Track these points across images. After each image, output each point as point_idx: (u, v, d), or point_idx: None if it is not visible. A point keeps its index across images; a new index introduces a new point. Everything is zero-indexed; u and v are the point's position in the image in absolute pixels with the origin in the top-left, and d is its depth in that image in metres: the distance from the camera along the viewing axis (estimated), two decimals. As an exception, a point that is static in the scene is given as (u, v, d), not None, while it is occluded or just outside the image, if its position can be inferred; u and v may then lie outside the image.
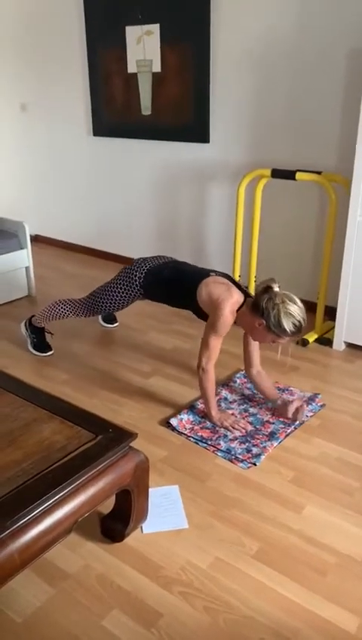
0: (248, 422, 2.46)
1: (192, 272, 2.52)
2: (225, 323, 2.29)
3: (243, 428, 2.38)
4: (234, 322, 2.36)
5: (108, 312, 2.77)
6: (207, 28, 3.50)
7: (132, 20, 3.81)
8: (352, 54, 3.04)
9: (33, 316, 3.04)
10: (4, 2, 4.56)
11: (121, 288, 2.63)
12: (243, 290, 2.40)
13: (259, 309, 2.21)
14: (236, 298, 2.31)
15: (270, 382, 2.57)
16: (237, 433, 2.36)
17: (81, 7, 4.08)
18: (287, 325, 2.16)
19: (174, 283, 2.52)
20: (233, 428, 2.37)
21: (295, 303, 2.18)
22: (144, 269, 2.59)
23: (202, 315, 2.46)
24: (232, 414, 2.49)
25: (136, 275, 2.60)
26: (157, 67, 3.81)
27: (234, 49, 3.47)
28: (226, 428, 2.38)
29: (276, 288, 2.20)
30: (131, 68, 3.94)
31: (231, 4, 3.39)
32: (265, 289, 2.22)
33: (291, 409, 2.44)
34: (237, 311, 2.33)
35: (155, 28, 3.71)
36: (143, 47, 3.83)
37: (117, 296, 2.65)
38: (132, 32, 3.84)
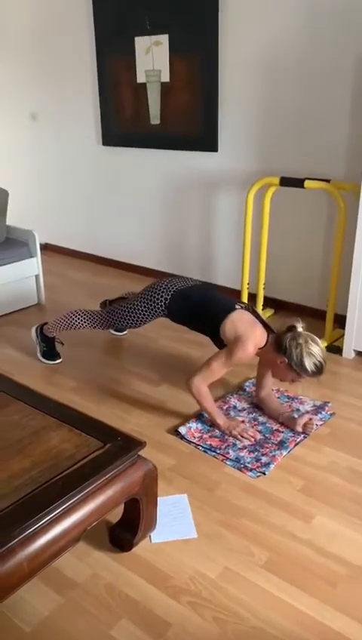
0: (258, 430, 2.45)
1: (219, 301, 2.50)
2: (242, 358, 2.30)
3: (251, 436, 2.37)
4: (257, 354, 2.37)
5: (128, 327, 2.76)
6: (215, 38, 3.52)
7: (141, 31, 3.84)
8: (360, 62, 3.05)
9: (46, 323, 3.05)
10: (15, 13, 4.62)
11: (144, 307, 2.63)
12: (267, 325, 2.42)
13: (281, 347, 2.24)
14: (259, 338, 2.32)
15: (277, 402, 2.60)
16: (246, 442, 2.35)
17: (91, 18, 4.13)
18: (309, 365, 2.20)
19: (200, 311, 2.51)
20: (241, 436, 2.37)
21: (317, 344, 2.23)
22: (171, 291, 2.58)
23: (222, 346, 2.46)
24: (242, 421, 2.48)
25: (162, 296, 2.59)
26: (165, 77, 3.84)
27: (242, 58, 3.49)
28: (235, 437, 2.37)
29: (299, 328, 2.25)
30: (140, 78, 3.97)
31: (239, 14, 3.41)
32: (289, 328, 2.27)
33: (300, 422, 2.43)
34: (257, 353, 2.35)
35: (164, 38, 3.75)
36: (152, 57, 3.86)
37: (139, 314, 2.65)
38: (141, 43, 3.88)
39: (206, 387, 2.37)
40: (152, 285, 2.66)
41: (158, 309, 2.60)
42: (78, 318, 2.84)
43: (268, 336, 2.36)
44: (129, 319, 2.68)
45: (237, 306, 2.45)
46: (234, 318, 2.39)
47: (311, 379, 2.28)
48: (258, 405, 2.64)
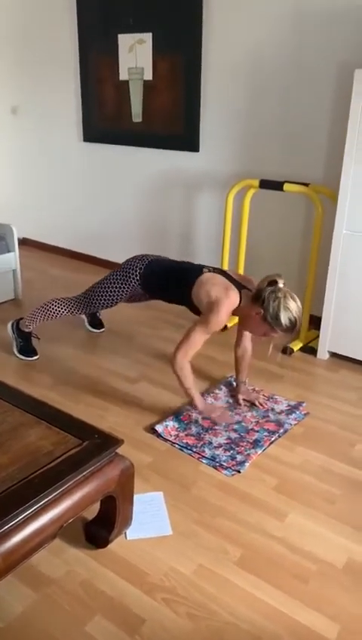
0: (233, 429, 2.48)
1: (188, 267, 2.56)
2: (218, 322, 2.32)
3: (228, 422, 2.44)
4: (233, 314, 2.40)
5: (105, 306, 2.76)
6: (199, 39, 3.54)
7: (124, 28, 3.84)
8: (340, 70, 3.10)
9: (21, 319, 3.04)
10: (-4, 6, 4.57)
11: (119, 280, 2.66)
12: (238, 284, 2.43)
13: (259, 299, 2.25)
14: (233, 299, 2.34)
15: (247, 365, 2.69)
16: (214, 442, 2.37)
17: (74, 14, 4.10)
18: (284, 319, 2.20)
19: (171, 276, 2.56)
20: (218, 422, 2.42)
21: (295, 301, 2.24)
22: (145, 261, 2.64)
23: (197, 312, 2.49)
24: (220, 407, 2.53)
25: (136, 266, 2.63)
26: (148, 75, 3.84)
27: (225, 61, 3.51)
28: (213, 420, 2.42)
29: (281, 284, 2.25)
30: (123, 75, 3.97)
31: (223, 16, 3.43)
32: (270, 282, 2.27)
33: (254, 397, 2.65)
34: (235, 309, 2.38)
35: (148, 37, 3.75)
36: (135, 55, 3.85)
37: (115, 288, 2.67)
38: (124, 40, 3.87)
39: (188, 363, 2.38)
40: (126, 260, 2.71)
41: (133, 279, 2.63)
42: (55, 306, 2.84)
43: (240, 293, 2.38)
44: (106, 295, 2.70)
45: (205, 270, 2.48)
46: (204, 280, 2.42)
47: (282, 335, 2.28)
48: (234, 405, 2.67)
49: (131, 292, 2.68)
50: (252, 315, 2.30)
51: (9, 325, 3.10)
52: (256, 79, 3.43)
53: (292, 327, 2.24)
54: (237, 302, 2.36)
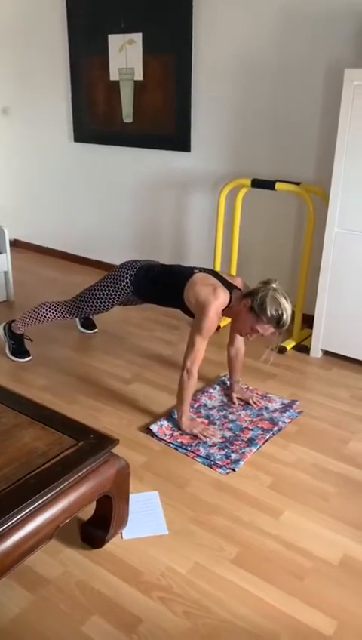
0: (227, 428, 2.48)
1: (179, 269, 2.56)
2: (210, 326, 2.33)
3: (212, 435, 2.41)
4: (222, 312, 2.40)
5: (96, 312, 2.76)
6: (189, 39, 3.54)
7: (114, 29, 3.84)
8: (330, 70, 3.12)
9: (13, 321, 3.03)
10: (-15, 6, 4.55)
11: (111, 286, 2.65)
12: (229, 284, 2.43)
13: (250, 292, 2.28)
14: (222, 299, 2.34)
15: (240, 364, 2.70)
16: (209, 441, 2.38)
17: (64, 15, 4.10)
18: (270, 308, 2.20)
19: (162, 282, 2.56)
20: (203, 435, 2.40)
21: (286, 299, 2.25)
22: (135, 267, 2.64)
23: (191, 314, 2.49)
24: (201, 423, 2.51)
25: (127, 273, 2.63)
26: (139, 76, 3.84)
27: (215, 60, 3.52)
28: (196, 435, 2.40)
29: (274, 284, 2.28)
30: (113, 76, 3.97)
31: (212, 16, 3.44)
32: (264, 282, 2.31)
33: (248, 396, 2.67)
34: (224, 310, 2.38)
35: (138, 37, 3.75)
36: (125, 55, 3.85)
37: (107, 294, 2.67)
38: (114, 41, 3.87)
39: (196, 372, 2.38)
40: (117, 266, 2.71)
41: (125, 286, 2.63)
42: (47, 310, 2.84)
43: (230, 294, 2.38)
44: (97, 302, 2.70)
45: (195, 271, 2.49)
46: (194, 281, 2.43)
47: (268, 329, 2.26)
48: (228, 404, 2.68)
49: (123, 298, 2.68)
50: (240, 309, 2.31)
51: (0, 327, 3.09)
52: (246, 79, 3.44)
53: (278, 319, 2.22)
54: (227, 302, 2.36)
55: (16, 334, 3.04)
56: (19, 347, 3.06)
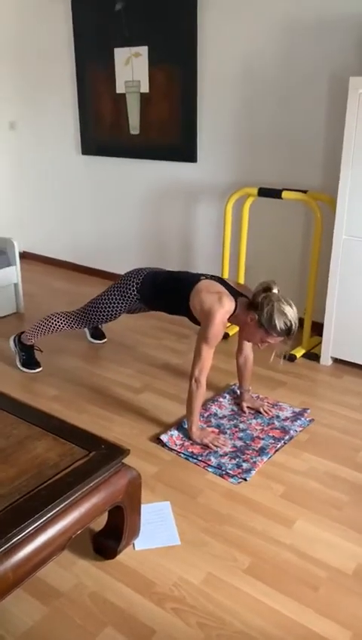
0: (238, 437, 2.48)
1: (185, 276, 2.56)
2: (216, 334, 2.33)
3: (222, 444, 2.40)
4: (228, 320, 2.40)
5: (104, 320, 2.77)
6: (194, 51, 3.58)
7: (120, 42, 3.88)
8: (334, 79, 3.13)
9: (23, 332, 3.04)
10: (-7, 23, 4.62)
11: (118, 295, 2.67)
12: (235, 291, 2.43)
13: (254, 304, 2.26)
14: (227, 307, 2.33)
15: (249, 373, 2.69)
16: (220, 451, 2.37)
17: (71, 29, 4.15)
18: (278, 323, 2.20)
19: (168, 289, 2.57)
20: (213, 445, 2.39)
21: (290, 305, 2.24)
22: (141, 275, 2.64)
23: (197, 322, 2.49)
24: (212, 432, 2.50)
25: (133, 281, 2.64)
26: (145, 88, 3.88)
27: (220, 71, 3.55)
28: (206, 445, 2.39)
29: (275, 290, 2.26)
30: (120, 88, 4.01)
31: (217, 28, 3.47)
32: (265, 288, 2.27)
33: (258, 404, 2.66)
34: (229, 318, 2.38)
35: (143, 50, 3.79)
36: (131, 68, 3.90)
37: (114, 303, 2.68)
38: (120, 54, 3.91)
39: (205, 380, 2.38)
40: (123, 275, 2.72)
41: (131, 294, 2.64)
42: (56, 320, 2.86)
43: (236, 301, 2.37)
44: (104, 311, 2.71)
45: (202, 277, 2.49)
46: (200, 288, 2.42)
47: (278, 339, 2.27)
48: (238, 413, 2.67)
49: (130, 306, 2.69)
50: (248, 322, 2.30)
51: (11, 340, 3.11)
52: (251, 89, 3.46)
53: (288, 331, 2.23)
54: (232, 309, 2.36)
55: (27, 345, 3.05)
56: (29, 358, 3.08)
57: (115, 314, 2.72)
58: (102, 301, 2.72)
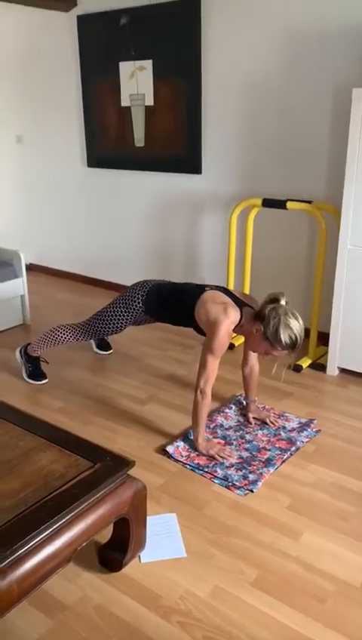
0: (244, 448, 2.47)
1: (189, 290, 2.57)
2: (221, 344, 2.32)
3: (228, 456, 2.39)
4: (234, 330, 2.39)
5: (110, 333, 2.78)
6: (198, 64, 3.61)
7: (125, 56, 3.93)
8: (337, 91, 3.15)
9: (29, 344, 3.06)
10: (1, 39, 4.68)
11: (123, 307, 2.68)
12: (240, 301, 2.43)
13: (260, 316, 2.25)
14: (232, 318, 2.33)
15: (255, 383, 2.68)
16: (226, 462, 2.36)
17: (76, 43, 4.20)
18: (284, 336, 2.19)
19: (173, 301, 2.57)
20: (219, 456, 2.38)
21: (296, 319, 2.22)
22: (146, 287, 2.66)
23: (203, 332, 2.50)
24: (218, 443, 2.49)
25: (138, 293, 2.65)
26: (149, 101, 3.91)
27: (224, 84, 3.58)
28: (212, 456, 2.38)
29: (283, 302, 2.25)
30: (124, 101, 4.05)
31: (221, 41, 3.51)
32: (272, 300, 2.27)
33: (264, 415, 2.66)
34: (235, 328, 2.37)
35: (148, 64, 3.83)
36: (136, 81, 3.93)
37: (119, 315, 2.69)
38: (125, 68, 3.96)
39: (210, 392, 2.37)
40: (129, 287, 2.74)
41: (137, 306, 2.65)
42: (62, 333, 2.87)
43: (241, 311, 2.37)
44: (110, 323, 2.72)
45: (206, 288, 2.50)
46: (205, 299, 2.42)
47: (283, 353, 2.27)
48: (245, 424, 2.66)
49: (135, 318, 2.70)
50: (253, 333, 2.30)
51: (17, 351, 3.12)
52: (255, 101, 3.49)
53: (293, 345, 2.22)
54: (238, 320, 2.36)
55: (33, 357, 3.06)
56: (35, 370, 3.08)
57: (121, 326, 2.73)
58: (107, 313, 2.73)
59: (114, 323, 2.72)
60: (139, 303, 2.64)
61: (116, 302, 2.72)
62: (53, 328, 2.91)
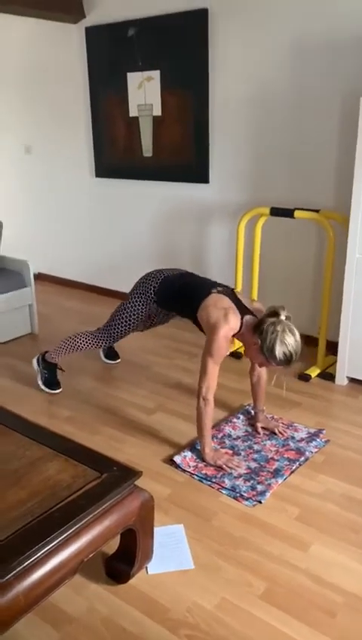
0: (252, 458, 2.45)
1: (197, 287, 2.57)
2: (219, 348, 2.32)
3: (237, 466, 2.37)
4: (233, 336, 2.39)
5: (126, 330, 2.81)
6: (206, 73, 3.63)
7: (133, 67, 3.95)
8: (345, 100, 3.15)
9: (47, 352, 3.06)
10: (10, 50, 4.74)
11: (137, 299, 2.72)
12: (244, 308, 2.42)
13: (259, 329, 2.24)
14: (232, 325, 2.33)
15: (263, 392, 2.68)
16: (234, 472, 2.34)
17: (85, 55, 4.24)
18: (278, 353, 2.19)
19: (183, 296, 2.59)
20: (227, 467, 2.36)
21: (294, 335, 2.21)
22: (160, 278, 2.68)
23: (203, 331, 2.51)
24: (226, 453, 2.48)
25: (151, 284, 2.68)
26: (157, 111, 3.94)
27: (232, 93, 3.59)
28: (220, 467, 2.37)
29: (282, 316, 2.24)
30: (132, 112, 4.07)
31: (228, 51, 3.52)
32: (272, 313, 2.26)
33: (273, 425, 2.64)
34: (234, 335, 2.37)
35: (156, 74, 3.85)
36: (144, 92, 3.96)
37: (134, 308, 2.73)
38: (133, 78, 3.98)
39: (212, 399, 2.36)
40: (141, 278, 2.76)
41: (149, 297, 2.68)
42: (80, 340, 2.89)
43: (242, 318, 2.36)
44: (127, 319, 2.76)
45: (213, 290, 2.48)
46: (208, 303, 2.42)
47: (277, 367, 2.27)
48: (253, 433, 2.65)
49: (148, 310, 2.72)
50: (251, 344, 2.30)
51: (34, 359, 3.12)
52: (262, 110, 3.50)
53: (287, 362, 2.22)
54: (238, 327, 2.35)
55: (50, 363, 3.06)
56: (51, 377, 3.08)
57: (137, 319, 2.76)
58: (124, 309, 2.77)
59: (131, 317, 2.75)
60: (151, 293, 2.67)
61: (130, 295, 2.75)
62: (72, 335, 2.93)
